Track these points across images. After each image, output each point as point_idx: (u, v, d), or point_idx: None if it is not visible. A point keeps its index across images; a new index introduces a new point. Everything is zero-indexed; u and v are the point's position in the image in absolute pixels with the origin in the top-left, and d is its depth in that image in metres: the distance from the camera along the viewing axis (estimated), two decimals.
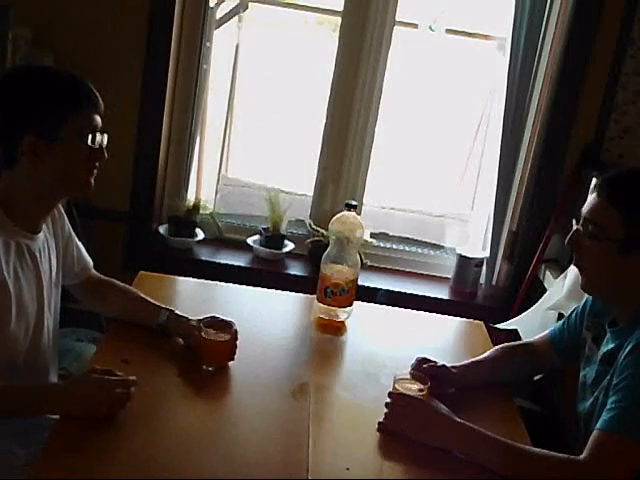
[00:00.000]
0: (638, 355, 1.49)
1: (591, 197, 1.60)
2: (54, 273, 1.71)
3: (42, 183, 1.57)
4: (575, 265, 1.66)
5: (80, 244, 1.86)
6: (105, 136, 1.62)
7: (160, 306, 1.84)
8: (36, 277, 1.60)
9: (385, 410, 1.61)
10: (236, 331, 1.76)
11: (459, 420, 1.55)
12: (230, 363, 1.74)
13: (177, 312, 1.83)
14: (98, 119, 1.60)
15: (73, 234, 1.83)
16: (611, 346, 1.61)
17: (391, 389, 1.64)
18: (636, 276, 1.56)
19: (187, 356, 1.75)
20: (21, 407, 1.50)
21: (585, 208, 1.60)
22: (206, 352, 1.74)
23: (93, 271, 1.92)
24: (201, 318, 1.77)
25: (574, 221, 1.65)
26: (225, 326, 1.76)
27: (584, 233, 1.59)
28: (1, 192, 1.57)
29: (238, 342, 1.77)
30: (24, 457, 1.54)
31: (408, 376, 1.68)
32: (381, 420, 1.60)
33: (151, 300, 1.86)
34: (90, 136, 1.57)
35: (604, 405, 1.54)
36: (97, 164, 1.62)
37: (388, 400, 1.62)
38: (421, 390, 1.64)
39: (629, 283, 1.57)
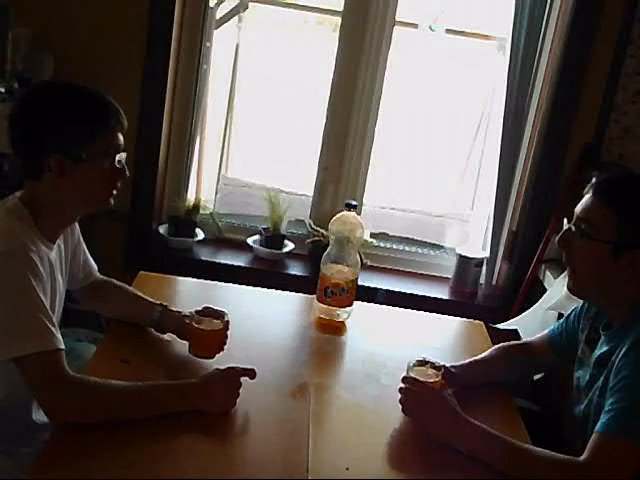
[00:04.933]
0: (633, 356, 1.49)
1: (586, 197, 1.60)
2: (65, 282, 1.71)
3: (64, 199, 1.57)
4: (564, 262, 1.66)
5: (86, 250, 1.86)
6: (124, 154, 1.62)
7: (153, 302, 1.84)
8: (51, 287, 1.58)
9: (399, 396, 1.63)
10: (228, 322, 1.76)
11: (465, 417, 1.56)
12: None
13: (170, 307, 1.83)
14: (121, 138, 1.61)
15: (82, 240, 1.83)
16: (605, 349, 1.61)
17: (405, 374, 1.66)
18: (623, 278, 1.56)
19: (187, 356, 1.75)
20: (164, 404, 1.52)
21: (579, 207, 1.60)
22: (196, 341, 1.74)
23: (97, 275, 1.91)
24: (195, 310, 1.77)
25: (565, 220, 1.65)
26: (217, 316, 1.76)
27: (576, 232, 1.59)
28: (27, 198, 1.57)
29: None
30: (26, 456, 1.54)
31: (422, 362, 1.70)
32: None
33: (145, 297, 1.86)
34: (115, 156, 1.58)
35: (598, 407, 1.55)
36: (118, 184, 1.63)
37: (402, 385, 1.64)
38: (435, 377, 1.65)
39: (616, 285, 1.58)
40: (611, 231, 1.54)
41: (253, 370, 1.62)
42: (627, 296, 1.58)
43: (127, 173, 1.64)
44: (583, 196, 1.62)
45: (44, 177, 1.54)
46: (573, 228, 1.61)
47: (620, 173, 1.66)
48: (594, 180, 1.61)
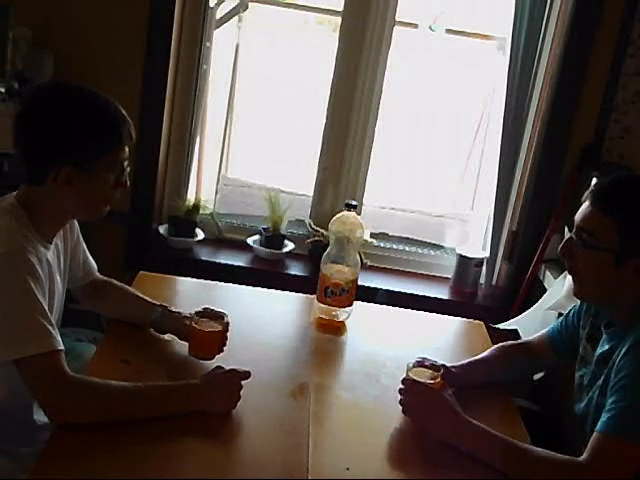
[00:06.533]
0: (634, 355, 1.49)
1: (584, 205, 1.58)
2: (65, 281, 1.71)
3: (63, 205, 1.58)
4: (568, 271, 1.65)
5: (86, 249, 1.86)
6: (129, 168, 1.63)
7: (154, 303, 1.84)
8: (49, 288, 1.58)
9: (399, 397, 1.63)
10: (227, 323, 1.75)
11: (465, 417, 1.56)
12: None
13: (170, 308, 1.83)
14: (128, 150, 1.61)
15: (81, 239, 1.83)
16: (606, 347, 1.61)
17: (404, 376, 1.66)
18: (628, 284, 1.55)
19: (187, 357, 1.75)
20: (164, 405, 1.52)
21: (578, 216, 1.59)
22: (195, 342, 1.73)
23: (97, 274, 1.91)
24: (195, 311, 1.76)
25: (567, 229, 1.64)
26: (217, 317, 1.75)
27: (578, 241, 1.57)
28: (25, 200, 1.56)
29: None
30: (26, 456, 1.55)
31: (421, 363, 1.70)
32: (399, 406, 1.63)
33: (145, 298, 1.86)
34: (121, 169, 1.59)
35: (598, 405, 1.55)
36: (118, 194, 1.63)
37: (401, 386, 1.64)
38: (434, 378, 1.65)
39: (620, 290, 1.57)
40: (613, 239, 1.52)
41: (248, 372, 1.61)
42: (629, 299, 1.57)
43: (128, 184, 1.64)
44: (581, 201, 1.61)
45: (47, 184, 1.53)
46: (574, 237, 1.59)
47: (617, 177, 1.62)
48: (591, 187, 1.60)
